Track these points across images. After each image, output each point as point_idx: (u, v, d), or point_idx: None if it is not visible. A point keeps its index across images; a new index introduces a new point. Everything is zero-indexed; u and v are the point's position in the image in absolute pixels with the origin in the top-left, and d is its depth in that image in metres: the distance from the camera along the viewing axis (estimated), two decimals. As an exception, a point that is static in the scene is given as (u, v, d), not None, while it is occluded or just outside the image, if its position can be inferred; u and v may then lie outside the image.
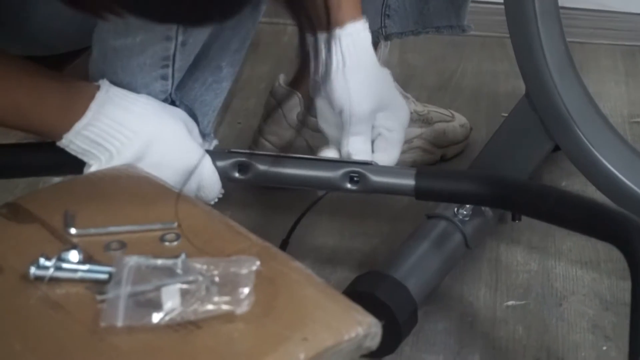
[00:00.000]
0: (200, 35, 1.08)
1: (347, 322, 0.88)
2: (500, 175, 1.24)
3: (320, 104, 1.20)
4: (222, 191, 1.16)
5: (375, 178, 1.15)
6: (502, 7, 1.33)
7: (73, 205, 0.97)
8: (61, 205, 0.98)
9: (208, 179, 1.13)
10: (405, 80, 1.77)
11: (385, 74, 1.23)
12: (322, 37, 1.13)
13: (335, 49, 1.17)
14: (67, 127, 1.08)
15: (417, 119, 1.57)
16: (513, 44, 1.32)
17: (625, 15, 1.98)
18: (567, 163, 1.37)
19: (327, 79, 1.16)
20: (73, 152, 1.09)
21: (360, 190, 1.16)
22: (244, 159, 1.15)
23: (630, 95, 1.80)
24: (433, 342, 1.23)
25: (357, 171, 1.15)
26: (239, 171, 1.15)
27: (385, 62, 1.60)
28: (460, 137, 1.59)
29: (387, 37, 1.48)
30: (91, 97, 1.07)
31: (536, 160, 1.39)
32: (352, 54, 1.18)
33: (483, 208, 1.31)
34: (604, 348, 1.22)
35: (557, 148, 1.37)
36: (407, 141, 1.55)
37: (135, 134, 1.07)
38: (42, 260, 0.89)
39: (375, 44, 1.53)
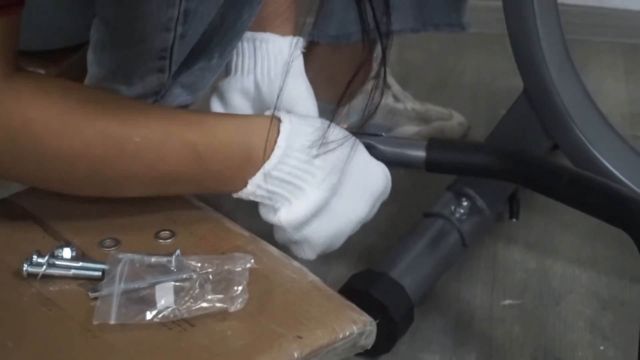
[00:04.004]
0: (199, 27, 1.08)
1: (342, 321, 0.88)
2: (515, 149, 1.19)
3: None
4: None
5: (385, 149, 1.13)
6: (501, 4, 1.32)
7: (67, 202, 0.97)
8: (55, 202, 0.97)
9: (388, 189, 1.06)
10: (404, 77, 1.76)
11: None
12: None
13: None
14: (251, 171, 0.96)
15: (414, 117, 1.56)
16: (511, 40, 1.32)
17: (626, 12, 1.97)
18: (566, 161, 1.37)
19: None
20: (257, 199, 0.97)
21: None
22: None
23: (631, 93, 1.79)
24: (429, 341, 1.22)
25: (367, 142, 1.12)
26: None
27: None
28: (458, 136, 1.59)
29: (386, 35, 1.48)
30: (276, 131, 0.97)
31: (534, 159, 1.38)
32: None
33: (480, 206, 1.31)
34: (602, 348, 1.22)
35: (555, 146, 1.36)
36: (405, 139, 1.55)
37: (330, 163, 0.98)
38: (35, 257, 0.89)
39: (374, 41, 1.52)
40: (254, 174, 0.96)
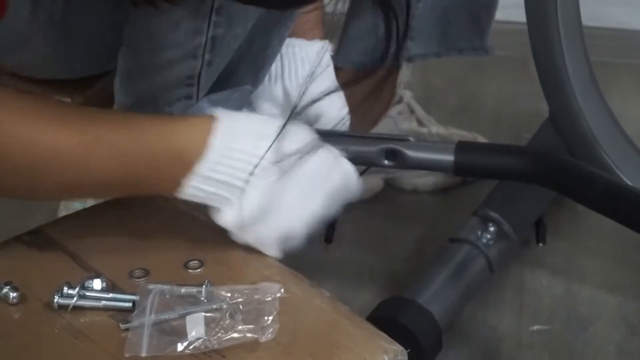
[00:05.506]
0: (227, 54, 1.08)
1: (373, 350, 0.88)
2: (547, 152, 1.16)
3: None
4: None
5: (413, 154, 1.10)
6: (524, 27, 1.32)
7: (95, 232, 0.97)
8: (84, 232, 0.97)
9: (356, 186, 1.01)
10: (426, 101, 1.76)
11: None
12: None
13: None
14: (184, 173, 0.93)
15: (439, 142, 1.56)
16: (536, 65, 1.32)
17: (649, 35, 1.97)
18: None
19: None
20: (197, 200, 0.94)
21: (397, 166, 1.11)
22: None
23: (654, 116, 1.79)
24: (458, 368, 1.22)
25: (394, 148, 1.10)
26: None
27: (407, 84, 1.60)
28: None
29: (409, 59, 1.48)
30: (208, 131, 0.93)
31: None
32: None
33: (507, 231, 1.30)
34: (631, 373, 1.21)
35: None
36: (429, 164, 1.54)
37: (270, 158, 0.94)
38: (65, 289, 0.88)
39: (397, 66, 1.53)
40: (186, 176, 0.93)
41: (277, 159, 0.94)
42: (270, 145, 0.93)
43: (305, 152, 0.95)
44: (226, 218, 0.95)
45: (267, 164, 0.93)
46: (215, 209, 0.95)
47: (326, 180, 0.97)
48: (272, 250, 0.97)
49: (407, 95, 1.56)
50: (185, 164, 0.92)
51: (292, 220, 0.96)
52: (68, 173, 0.92)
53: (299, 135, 0.96)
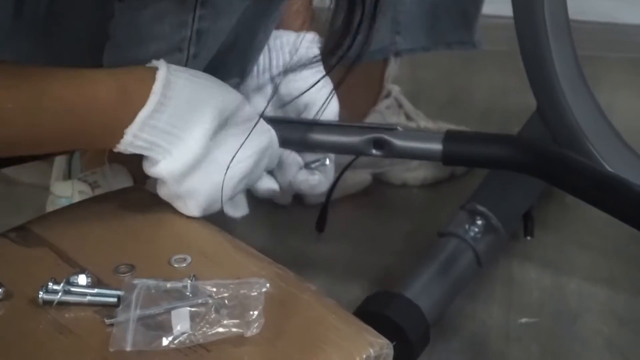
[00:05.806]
0: (212, 47, 1.08)
1: (359, 344, 0.88)
2: (536, 141, 1.16)
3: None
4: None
5: (401, 143, 1.10)
6: (512, 21, 1.32)
7: (81, 228, 0.97)
8: (70, 228, 0.97)
9: (275, 146, 1.05)
10: (415, 95, 1.76)
11: None
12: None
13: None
14: (129, 120, 0.95)
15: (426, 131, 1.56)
16: (523, 58, 1.32)
17: (637, 28, 1.97)
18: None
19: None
20: (137, 151, 0.96)
21: (385, 155, 1.11)
22: None
23: (644, 109, 1.79)
24: (446, 362, 1.22)
25: (382, 137, 1.10)
26: None
27: (395, 78, 1.60)
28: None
29: (397, 54, 1.48)
30: (152, 79, 0.96)
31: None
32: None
33: (495, 225, 1.30)
34: (620, 366, 1.21)
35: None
36: (418, 158, 1.54)
37: (210, 111, 0.97)
38: (50, 284, 0.88)
39: (385, 60, 1.53)
40: (130, 123, 0.94)
41: (217, 114, 0.97)
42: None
43: (238, 114, 0.99)
44: (163, 167, 0.97)
45: (207, 117, 0.96)
46: (152, 160, 0.97)
47: (254, 142, 1.00)
48: (197, 207, 0.99)
49: (395, 89, 1.56)
50: (130, 111, 0.94)
51: (225, 175, 0.98)
52: (13, 130, 0.93)
53: (235, 99, 1.00)
